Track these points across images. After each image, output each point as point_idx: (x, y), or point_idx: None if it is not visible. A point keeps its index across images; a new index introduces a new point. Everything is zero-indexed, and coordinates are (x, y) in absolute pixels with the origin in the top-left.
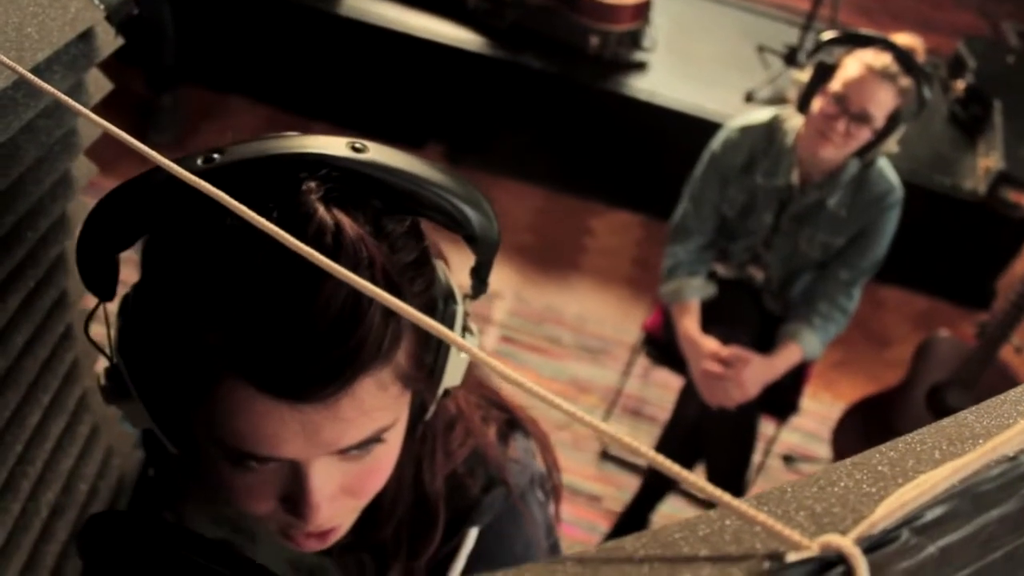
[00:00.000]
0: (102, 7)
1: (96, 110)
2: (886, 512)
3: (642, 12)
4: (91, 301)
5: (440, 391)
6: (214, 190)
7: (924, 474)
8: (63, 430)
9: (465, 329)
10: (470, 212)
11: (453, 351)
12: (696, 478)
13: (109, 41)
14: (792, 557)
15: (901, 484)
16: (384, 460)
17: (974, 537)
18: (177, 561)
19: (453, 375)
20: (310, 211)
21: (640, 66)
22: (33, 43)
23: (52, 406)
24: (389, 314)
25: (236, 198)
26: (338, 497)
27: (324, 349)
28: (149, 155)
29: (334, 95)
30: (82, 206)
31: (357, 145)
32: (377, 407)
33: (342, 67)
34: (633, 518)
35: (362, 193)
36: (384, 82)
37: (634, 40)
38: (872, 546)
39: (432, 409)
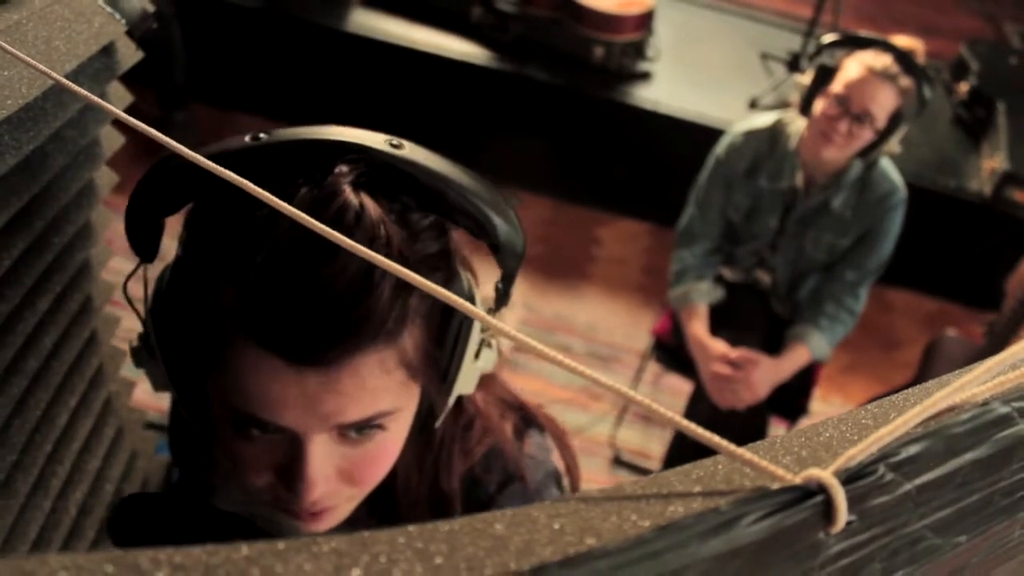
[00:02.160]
0: (123, 22)
1: (114, 124)
2: (863, 448)
3: (645, 22)
4: (114, 309)
5: (453, 396)
6: (229, 173)
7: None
8: (90, 431)
9: (484, 343)
10: (496, 220)
11: (467, 359)
12: (701, 429)
13: (129, 54)
14: (775, 487)
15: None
16: (384, 450)
17: (950, 478)
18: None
19: (466, 382)
20: (337, 190)
21: (644, 76)
22: (61, 55)
23: (79, 408)
24: (398, 292)
25: (274, 174)
26: (334, 479)
27: (329, 315)
28: (178, 149)
29: (342, 110)
30: (104, 215)
31: (394, 142)
32: (379, 387)
33: (350, 83)
34: None
35: (392, 186)
36: (391, 97)
37: (638, 50)
38: (850, 478)
39: (443, 415)
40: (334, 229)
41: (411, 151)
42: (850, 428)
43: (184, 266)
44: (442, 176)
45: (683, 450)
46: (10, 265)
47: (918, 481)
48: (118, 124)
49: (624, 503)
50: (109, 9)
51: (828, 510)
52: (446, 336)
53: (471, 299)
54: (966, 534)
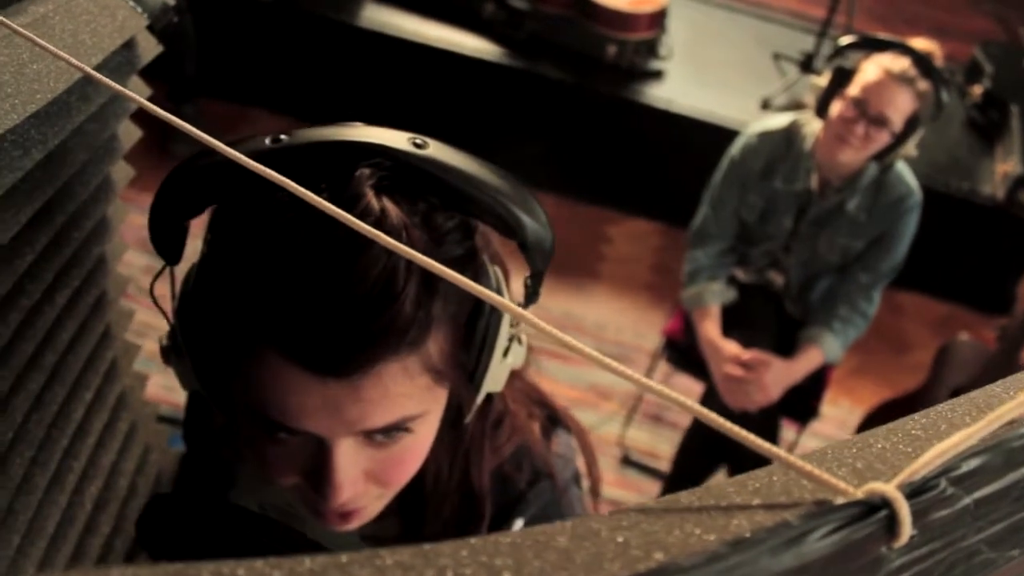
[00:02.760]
0: (145, 16)
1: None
2: (926, 461)
3: (658, 21)
4: (128, 303)
5: (481, 395)
6: (262, 168)
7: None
8: (104, 426)
9: (513, 338)
10: (524, 218)
11: (496, 357)
12: (748, 433)
13: (149, 48)
14: (839, 501)
15: (935, 444)
16: (411, 451)
17: (1007, 492)
18: (238, 539)
19: (495, 381)
20: (358, 195)
21: (657, 74)
22: (87, 49)
23: (94, 402)
24: (420, 300)
25: (294, 178)
26: (362, 481)
27: (351, 325)
28: (208, 141)
29: (353, 106)
30: (121, 209)
31: (418, 141)
32: (402, 394)
33: (361, 78)
34: None
35: (417, 188)
36: (402, 92)
37: (650, 49)
38: (913, 492)
39: (471, 414)
40: (354, 233)
41: (435, 150)
42: (902, 440)
43: (209, 269)
44: (468, 176)
45: (693, 451)
46: (32, 259)
47: (977, 495)
48: (135, 118)
49: (684, 515)
50: (132, 3)
51: (892, 525)
52: (473, 337)
53: (500, 296)
54: (1019, 548)
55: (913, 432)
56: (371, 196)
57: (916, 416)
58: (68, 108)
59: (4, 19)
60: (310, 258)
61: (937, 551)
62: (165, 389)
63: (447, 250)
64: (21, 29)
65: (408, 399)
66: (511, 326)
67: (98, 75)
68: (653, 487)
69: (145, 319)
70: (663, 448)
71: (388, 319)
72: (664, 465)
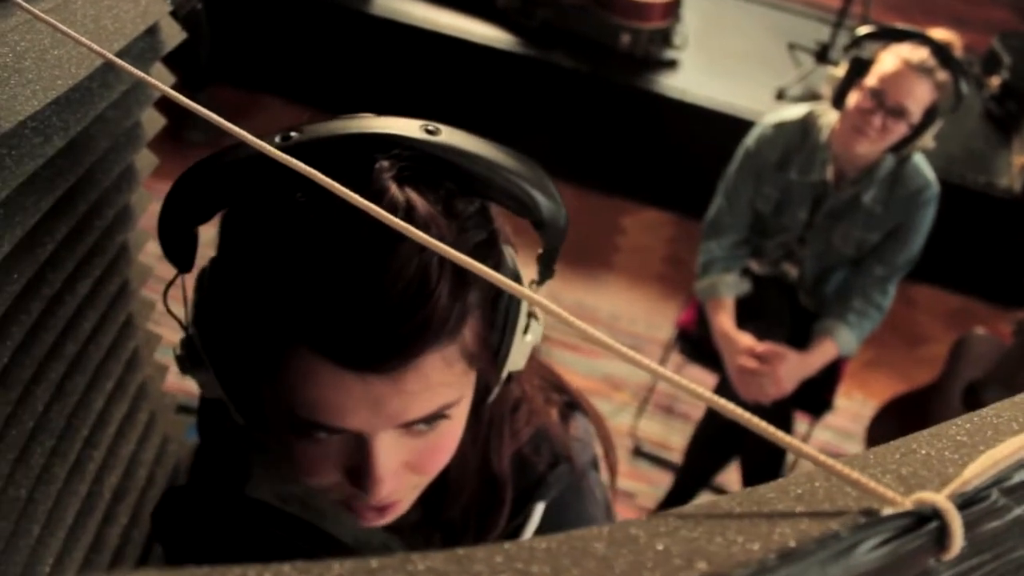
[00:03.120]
0: (168, 2)
1: (155, 106)
2: (978, 471)
3: (673, 10)
4: (149, 291)
5: (504, 374)
6: (299, 163)
7: (1007, 439)
8: (124, 416)
9: (531, 315)
10: (539, 197)
11: (518, 335)
12: (791, 439)
13: (173, 35)
14: (888, 511)
15: (982, 451)
16: (448, 437)
17: None
18: (254, 533)
19: (517, 359)
20: (382, 188)
21: (671, 64)
22: (109, 35)
23: (115, 392)
24: (456, 292)
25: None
26: (401, 472)
27: (392, 322)
28: (236, 132)
29: (366, 93)
30: (144, 198)
31: (430, 128)
32: (442, 383)
33: (374, 66)
34: None
35: (434, 175)
36: (415, 80)
37: (665, 38)
38: (964, 503)
39: (496, 392)
40: (384, 229)
41: (448, 135)
42: (948, 446)
43: (226, 273)
44: (483, 158)
45: (706, 443)
46: (53, 248)
47: None
48: (158, 106)
49: (725, 522)
50: None
51: (942, 536)
52: (496, 317)
53: (517, 276)
54: None
55: (958, 438)
56: (394, 189)
57: (959, 421)
58: (90, 95)
59: (26, 4)
60: (343, 256)
61: (986, 563)
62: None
63: (472, 236)
64: (42, 15)
65: (447, 387)
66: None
67: (120, 61)
68: (664, 478)
69: (161, 307)
70: (675, 439)
71: (427, 313)
72: (676, 456)
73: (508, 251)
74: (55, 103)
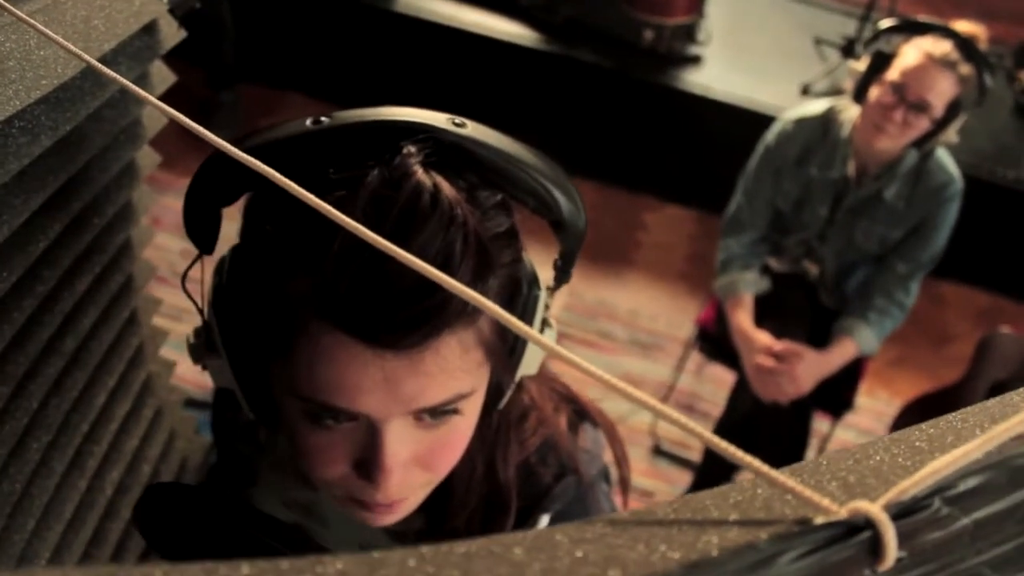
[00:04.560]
0: (165, 0)
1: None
2: (917, 480)
3: (696, 5)
4: (155, 289)
5: (517, 376)
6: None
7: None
8: (128, 412)
9: (544, 322)
10: (560, 197)
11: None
12: (740, 452)
13: (172, 33)
14: (819, 520)
15: (937, 458)
16: (458, 434)
17: (1011, 513)
18: (230, 532)
19: (531, 362)
20: (409, 171)
21: (695, 60)
22: (100, 34)
23: (117, 388)
24: (478, 274)
25: (337, 158)
26: (410, 466)
27: (412, 298)
28: (213, 140)
29: (390, 90)
30: (147, 195)
31: (457, 121)
32: (459, 367)
33: (398, 63)
34: None
35: (458, 165)
36: (439, 77)
37: (688, 33)
38: (901, 513)
39: (508, 395)
40: (410, 211)
41: (474, 129)
42: (903, 452)
43: (248, 256)
44: (507, 154)
45: (726, 440)
46: (47, 246)
47: (976, 515)
48: (173, 102)
49: (654, 530)
50: None
51: (876, 547)
52: (514, 312)
53: (534, 277)
54: None
55: (917, 444)
56: (421, 172)
57: (924, 425)
58: (81, 94)
59: (8, 6)
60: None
61: (931, 573)
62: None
63: (494, 225)
64: (24, 16)
65: (463, 374)
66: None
67: (98, 64)
68: (684, 477)
69: (179, 303)
70: (694, 438)
71: (447, 292)
72: (695, 455)
73: (525, 255)
74: (44, 102)
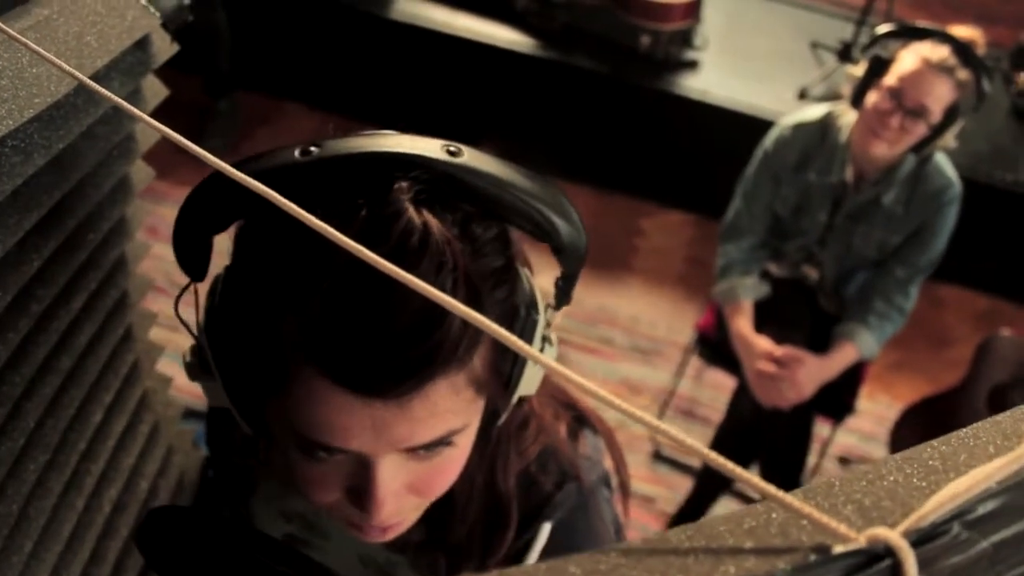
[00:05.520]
0: (158, 15)
1: (154, 116)
2: (936, 505)
3: (693, 10)
4: (152, 299)
5: (514, 400)
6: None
7: (979, 467)
8: (124, 428)
9: (545, 340)
10: (559, 223)
11: (530, 362)
12: (747, 473)
13: (165, 48)
14: (838, 549)
15: (953, 479)
16: (452, 462)
17: None
18: (236, 558)
19: (529, 384)
20: (399, 210)
21: (692, 65)
22: (92, 51)
23: (114, 405)
24: (466, 321)
25: (330, 191)
26: (403, 494)
27: (401, 347)
28: (206, 158)
29: (387, 98)
30: (141, 209)
31: (452, 149)
32: (449, 409)
33: (395, 70)
34: (686, 520)
35: (453, 197)
36: (436, 84)
37: (685, 39)
38: (921, 539)
39: (504, 416)
40: (399, 252)
41: (470, 157)
42: (917, 471)
43: (238, 286)
44: (504, 182)
45: (725, 447)
46: (41, 264)
47: (995, 538)
48: (170, 115)
49: (670, 559)
50: (143, 1)
51: (896, 574)
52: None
53: (533, 301)
54: None
55: (930, 463)
56: (412, 211)
57: (936, 443)
58: (75, 111)
59: (0, 25)
60: (354, 277)
61: None
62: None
63: (488, 262)
64: (15, 34)
65: (454, 414)
66: (544, 327)
67: (91, 83)
68: (684, 482)
69: (169, 312)
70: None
71: (437, 340)
72: (696, 460)
73: (524, 273)
74: (37, 121)
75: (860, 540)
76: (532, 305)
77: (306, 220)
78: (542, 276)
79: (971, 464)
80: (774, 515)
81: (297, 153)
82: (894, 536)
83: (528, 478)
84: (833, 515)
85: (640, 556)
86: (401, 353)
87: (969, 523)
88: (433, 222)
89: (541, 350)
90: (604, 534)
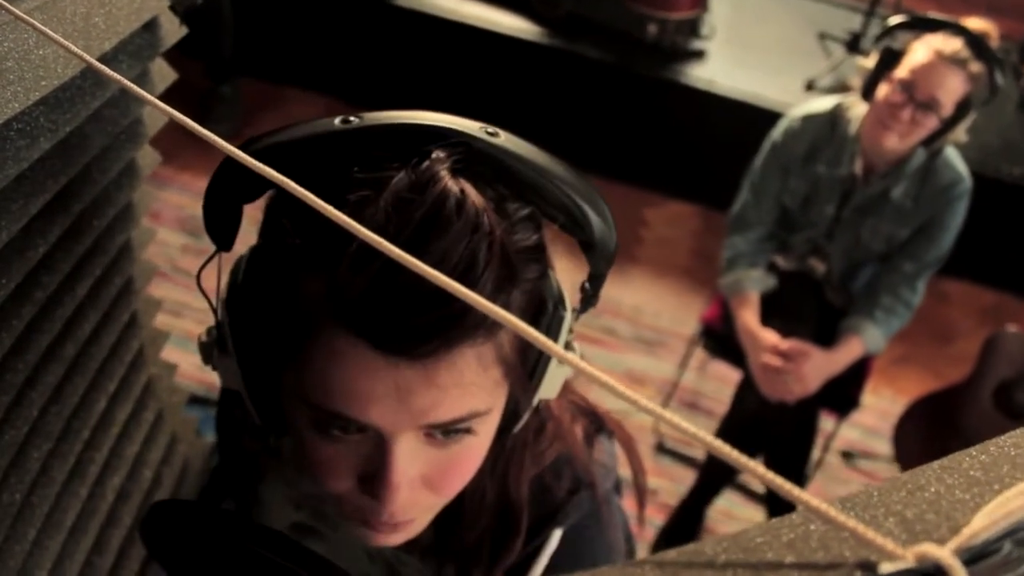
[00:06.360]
0: None
1: (160, 100)
2: (988, 522)
3: None
4: (156, 284)
5: (535, 400)
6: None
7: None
8: (128, 416)
9: (568, 345)
10: (592, 215)
11: (553, 362)
12: (774, 475)
13: (173, 31)
14: (886, 568)
15: (998, 491)
16: (470, 455)
17: None
18: (240, 553)
19: (550, 386)
20: (436, 175)
21: (698, 54)
22: (100, 32)
23: (118, 393)
24: (501, 285)
25: (365, 159)
26: (418, 486)
27: (429, 305)
28: (215, 142)
29: (391, 84)
30: (147, 195)
31: (490, 130)
32: (475, 383)
33: (398, 57)
34: (688, 512)
35: (488, 176)
36: (440, 71)
37: (692, 28)
38: (973, 558)
39: (524, 419)
40: (434, 215)
41: (507, 140)
42: (958, 482)
43: (265, 255)
44: (541, 167)
45: (729, 440)
46: (47, 250)
47: None
48: (177, 98)
49: (706, 573)
50: None
51: None
52: (538, 328)
53: (560, 297)
54: None
55: (972, 473)
56: (449, 177)
57: (974, 452)
58: (82, 94)
59: (5, 4)
60: (386, 236)
61: None
62: (199, 368)
63: (521, 238)
64: (22, 15)
65: (479, 390)
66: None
67: (99, 64)
68: (688, 475)
69: (180, 298)
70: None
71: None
72: (699, 452)
73: (552, 273)
74: (43, 104)
75: (908, 557)
76: (560, 301)
77: (325, 210)
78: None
79: (1015, 476)
80: (812, 527)
81: (337, 121)
82: (945, 554)
83: (541, 484)
84: (874, 527)
85: (676, 569)
86: (429, 310)
87: (1020, 540)
88: (470, 189)
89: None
90: (615, 543)
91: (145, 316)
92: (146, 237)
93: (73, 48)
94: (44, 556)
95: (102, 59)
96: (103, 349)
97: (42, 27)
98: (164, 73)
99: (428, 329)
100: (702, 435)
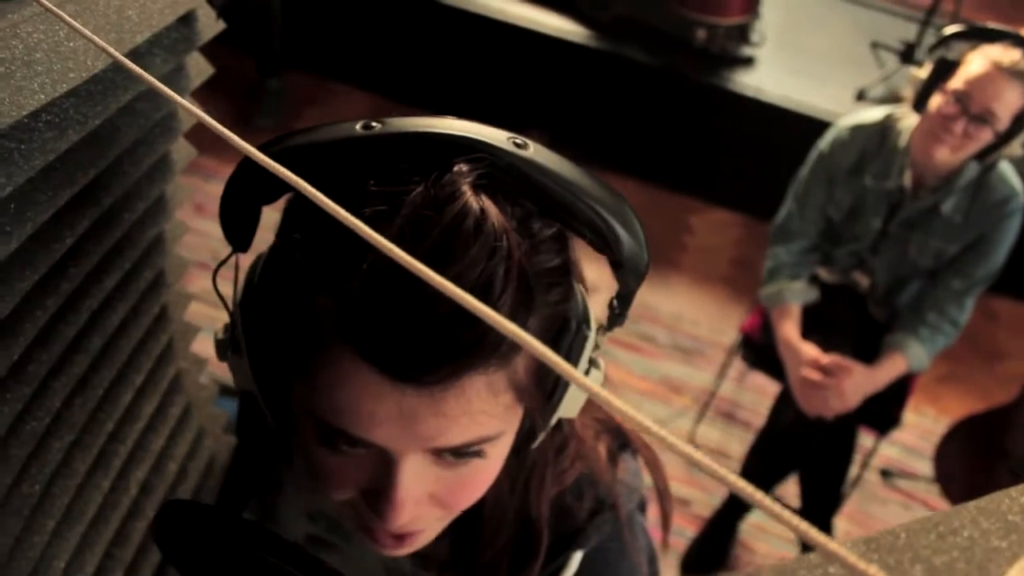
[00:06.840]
0: None
1: (202, 93)
2: None
3: (751, 5)
4: (188, 283)
5: (553, 420)
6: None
7: None
8: (155, 410)
9: (591, 362)
10: (622, 233)
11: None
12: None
13: (210, 25)
14: None
15: None
16: (480, 476)
17: None
18: (250, 559)
19: (571, 406)
20: (457, 191)
21: (747, 61)
22: (133, 25)
23: (145, 385)
24: (517, 311)
25: (385, 167)
26: (424, 503)
27: (439, 331)
28: (235, 142)
29: (436, 83)
30: (181, 188)
31: (518, 141)
32: (484, 411)
33: (445, 55)
34: (721, 525)
35: (514, 190)
36: (486, 70)
37: (742, 34)
38: None
39: (541, 437)
40: (451, 233)
41: (536, 152)
42: (994, 527)
43: (280, 260)
44: (569, 182)
45: (765, 455)
46: (74, 242)
47: None
48: (198, 95)
49: None
50: None
51: None
52: (558, 352)
53: (585, 316)
54: None
55: (1009, 517)
56: (470, 194)
57: (1014, 492)
58: (113, 87)
59: None
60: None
61: None
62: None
63: (543, 259)
64: (52, 7)
65: (489, 417)
66: (593, 349)
67: (122, 57)
68: (721, 487)
69: (207, 296)
70: (734, 447)
71: (481, 330)
72: (734, 465)
73: (579, 288)
74: (73, 95)
75: None
76: (584, 320)
77: (342, 217)
78: (593, 301)
79: None
80: (832, 570)
81: (359, 127)
82: None
83: (562, 506)
84: (900, 571)
85: None
86: (439, 337)
87: None
88: (491, 207)
89: (587, 373)
90: (637, 563)
91: (176, 310)
92: (179, 231)
93: (100, 42)
94: (63, 547)
95: (135, 52)
96: (131, 342)
97: (71, 21)
98: (201, 67)
99: (436, 358)
100: (716, 468)
